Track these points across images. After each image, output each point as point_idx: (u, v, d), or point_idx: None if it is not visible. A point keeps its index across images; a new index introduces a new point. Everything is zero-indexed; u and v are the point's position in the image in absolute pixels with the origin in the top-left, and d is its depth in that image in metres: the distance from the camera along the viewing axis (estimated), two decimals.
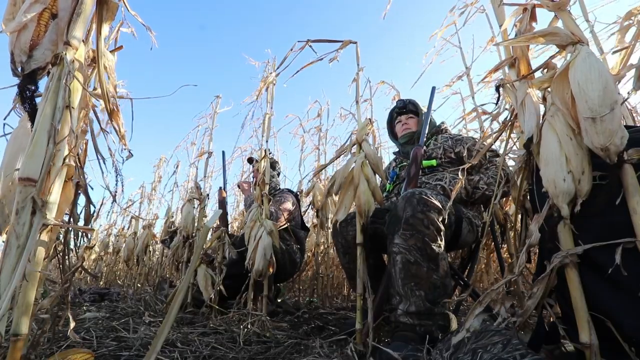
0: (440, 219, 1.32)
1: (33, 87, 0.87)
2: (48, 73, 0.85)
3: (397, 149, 2.14)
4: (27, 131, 0.86)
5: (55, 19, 0.89)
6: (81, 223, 0.94)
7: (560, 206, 0.81)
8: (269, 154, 2.73)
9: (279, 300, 2.65)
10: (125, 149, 0.99)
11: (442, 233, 1.32)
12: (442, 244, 1.32)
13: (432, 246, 1.28)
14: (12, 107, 0.87)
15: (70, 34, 0.86)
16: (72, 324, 0.91)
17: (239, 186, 2.85)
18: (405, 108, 2.09)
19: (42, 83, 0.87)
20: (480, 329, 0.83)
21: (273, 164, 2.95)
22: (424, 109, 2.01)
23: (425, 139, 1.76)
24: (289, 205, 2.65)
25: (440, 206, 1.32)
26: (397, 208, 1.36)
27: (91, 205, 0.90)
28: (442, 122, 2.12)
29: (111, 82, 0.95)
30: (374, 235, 1.62)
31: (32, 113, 0.87)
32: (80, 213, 0.92)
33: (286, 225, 2.39)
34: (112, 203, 0.97)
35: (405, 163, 1.98)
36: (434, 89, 1.93)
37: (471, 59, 2.84)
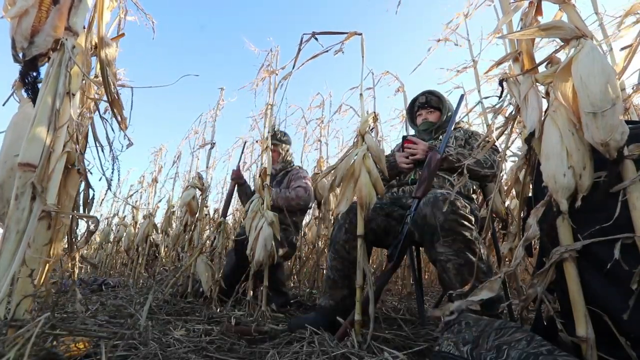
0: (467, 210, 1.39)
1: (35, 74, 0.87)
2: (49, 59, 0.85)
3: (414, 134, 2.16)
4: (26, 117, 0.86)
5: (56, 4, 0.88)
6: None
7: (559, 201, 0.81)
8: (278, 132, 2.77)
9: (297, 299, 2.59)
10: (125, 137, 0.99)
11: (473, 220, 1.39)
12: (476, 229, 1.39)
13: (472, 239, 1.35)
14: (10, 93, 0.86)
15: (72, 19, 0.85)
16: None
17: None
18: (427, 103, 2.09)
19: (44, 70, 0.87)
20: (499, 325, 0.82)
21: (286, 140, 2.90)
22: (447, 100, 2.05)
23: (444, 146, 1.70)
24: (308, 178, 2.72)
25: (462, 198, 1.40)
26: (426, 216, 1.40)
27: (90, 190, 0.90)
28: (459, 121, 2.15)
29: (111, 69, 0.95)
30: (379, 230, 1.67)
31: (34, 99, 0.86)
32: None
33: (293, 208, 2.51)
34: (107, 190, 0.97)
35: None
36: (462, 97, 1.91)
37: (479, 51, 2.81)
